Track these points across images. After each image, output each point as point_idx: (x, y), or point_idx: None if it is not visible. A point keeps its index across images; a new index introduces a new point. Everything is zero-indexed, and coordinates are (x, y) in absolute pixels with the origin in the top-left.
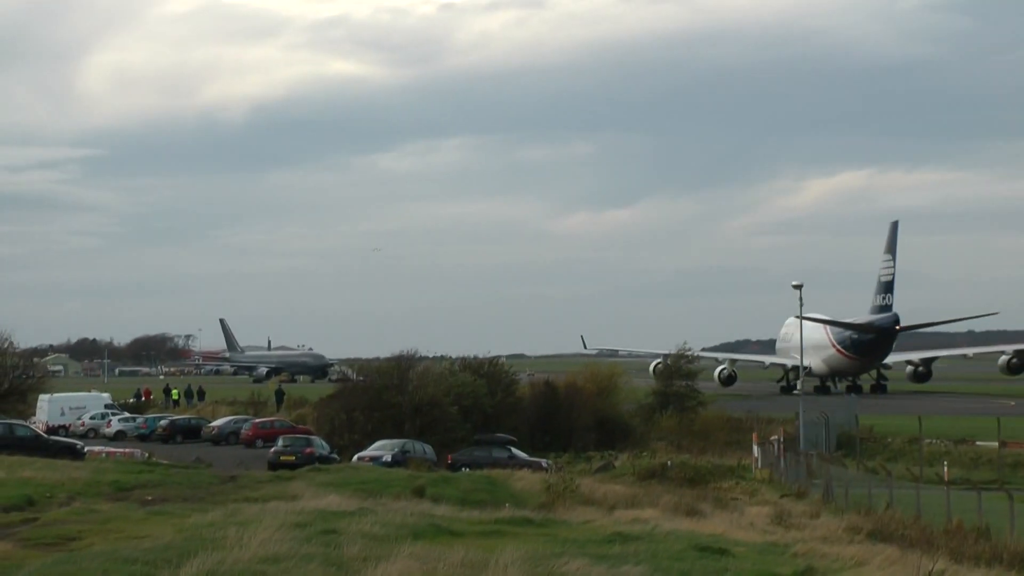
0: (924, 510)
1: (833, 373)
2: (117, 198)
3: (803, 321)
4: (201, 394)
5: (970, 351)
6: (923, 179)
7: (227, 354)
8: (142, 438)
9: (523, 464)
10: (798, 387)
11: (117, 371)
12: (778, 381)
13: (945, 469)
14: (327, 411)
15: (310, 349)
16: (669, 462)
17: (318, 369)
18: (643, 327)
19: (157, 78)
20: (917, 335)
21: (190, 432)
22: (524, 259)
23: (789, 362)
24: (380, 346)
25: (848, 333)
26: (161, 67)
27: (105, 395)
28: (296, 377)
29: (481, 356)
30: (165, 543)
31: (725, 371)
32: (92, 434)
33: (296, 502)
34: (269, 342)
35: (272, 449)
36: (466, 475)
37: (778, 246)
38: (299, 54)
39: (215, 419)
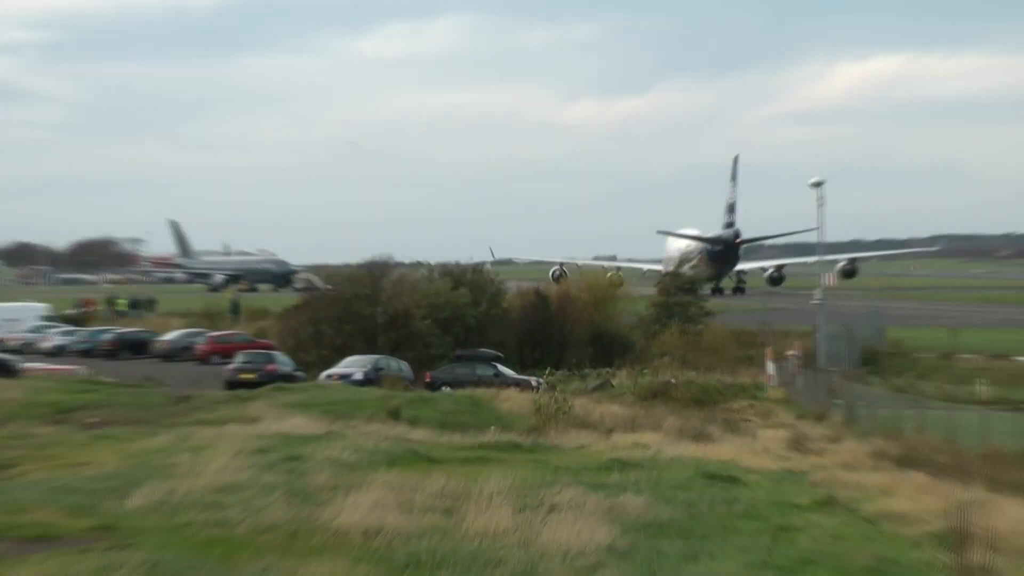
0: (958, 433)
1: (699, 278)
2: (73, 87)
3: (674, 236)
4: (150, 304)
5: (811, 259)
6: (963, 65)
7: (179, 260)
8: (84, 354)
9: (510, 383)
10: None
11: (57, 279)
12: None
13: (981, 387)
14: (291, 324)
15: (272, 255)
16: (673, 380)
17: (281, 277)
18: (650, 228)
19: None
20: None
21: (138, 347)
22: (523, 154)
23: (665, 269)
24: (353, 252)
25: (705, 245)
26: None
27: (43, 305)
28: (256, 286)
29: (463, 262)
30: (110, 471)
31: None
32: (28, 349)
33: (256, 425)
34: (226, 247)
35: (230, 366)
36: (446, 395)
37: (803, 139)
38: None
39: (166, 333)
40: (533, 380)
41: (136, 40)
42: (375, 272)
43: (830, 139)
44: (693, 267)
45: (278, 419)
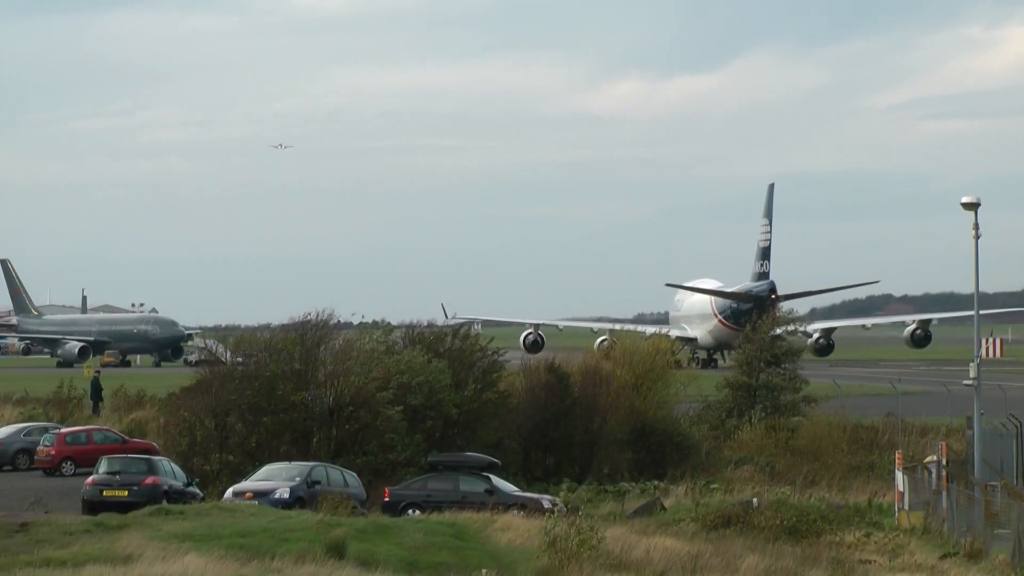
0: None
1: (719, 345)
2: None
3: (687, 289)
4: None
5: (869, 321)
6: None
7: (13, 319)
8: None
9: (511, 503)
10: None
11: None
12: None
13: None
14: (183, 415)
15: (152, 311)
16: (755, 500)
17: (166, 344)
18: (714, 268)
19: None
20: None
21: None
22: (533, 159)
23: (677, 333)
24: (275, 308)
25: (728, 302)
26: None
27: None
28: (130, 358)
29: (442, 323)
30: None
31: (605, 341)
32: None
33: (130, 568)
34: (84, 299)
35: (90, 478)
36: (415, 521)
37: (952, 137)
38: None
39: None
40: (545, 499)
41: None
42: (308, 337)
43: (988, 136)
44: (711, 331)
45: (162, 560)
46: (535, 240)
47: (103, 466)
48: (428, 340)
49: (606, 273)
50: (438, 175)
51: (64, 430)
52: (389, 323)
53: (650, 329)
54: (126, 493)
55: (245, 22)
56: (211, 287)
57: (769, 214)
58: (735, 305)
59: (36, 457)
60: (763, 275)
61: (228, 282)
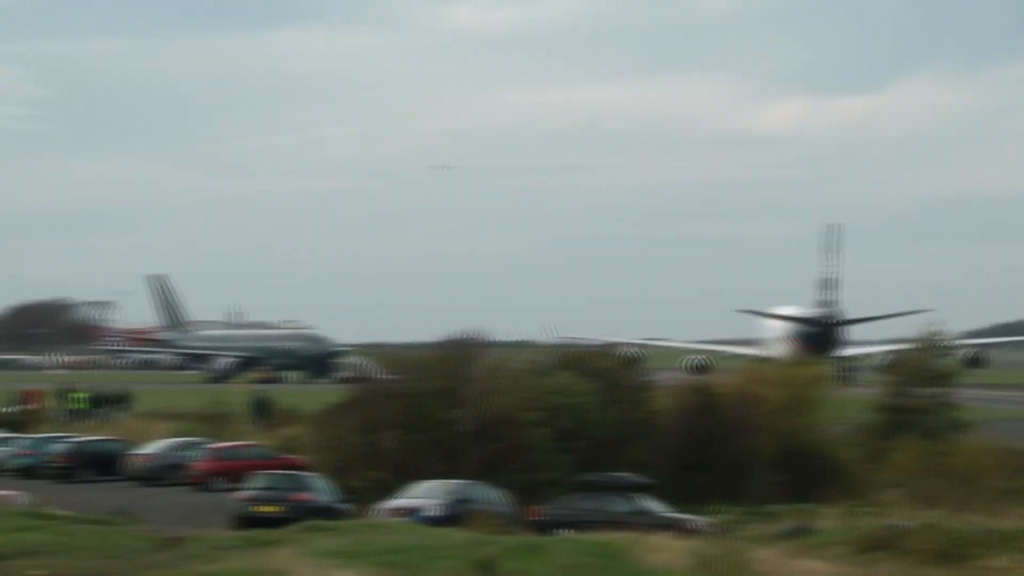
0: None
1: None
2: (19, 74)
3: (759, 315)
4: (123, 400)
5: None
6: None
7: (166, 334)
8: (25, 472)
9: (661, 524)
10: None
11: None
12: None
13: None
14: (333, 432)
15: (304, 328)
16: (906, 523)
17: (318, 361)
18: (875, 293)
19: None
20: None
21: (104, 464)
22: (690, 178)
23: (761, 353)
24: (425, 325)
25: (800, 326)
26: None
27: None
28: (280, 374)
29: (592, 342)
30: None
31: (696, 360)
32: None
33: None
34: (235, 315)
35: (241, 494)
36: (565, 541)
37: None
38: None
39: (146, 443)
40: (695, 520)
41: (117, 6)
42: (459, 356)
43: None
44: (787, 353)
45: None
46: (689, 259)
47: (254, 481)
48: (579, 360)
49: (756, 292)
50: (596, 194)
51: (215, 445)
52: (540, 342)
53: (736, 350)
54: (277, 509)
55: (409, 40)
56: (363, 304)
57: (834, 250)
58: (804, 329)
59: (188, 472)
60: (827, 303)
61: (380, 299)
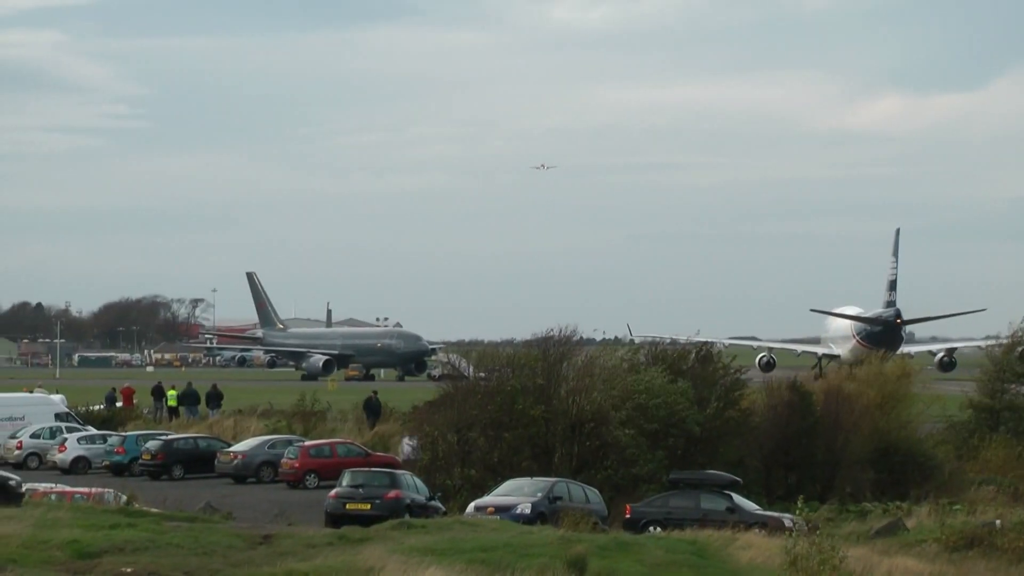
0: None
1: (858, 362)
2: (114, 73)
3: (829, 314)
4: (215, 398)
5: (983, 343)
6: None
7: (259, 332)
8: (117, 470)
9: (752, 521)
10: None
11: (77, 357)
12: (812, 368)
13: None
14: (425, 429)
15: (397, 325)
16: (998, 521)
17: (410, 359)
18: (963, 291)
19: None
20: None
21: (197, 461)
22: (787, 176)
23: (822, 350)
24: (518, 323)
25: (863, 325)
26: None
27: (57, 397)
28: (373, 372)
29: (681, 340)
30: None
31: (764, 358)
32: (35, 461)
33: None
34: (329, 313)
35: (334, 491)
36: (656, 539)
37: None
38: None
39: (238, 440)
40: (787, 518)
41: (217, 6)
42: (551, 354)
43: None
44: (851, 350)
45: (404, 573)
46: (781, 257)
47: (346, 479)
48: (671, 358)
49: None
50: (693, 192)
51: (308, 443)
52: (633, 340)
53: (801, 348)
54: (369, 506)
55: (505, 38)
56: (456, 302)
57: (896, 254)
58: (868, 328)
59: (280, 469)
60: (891, 303)
61: (473, 297)
